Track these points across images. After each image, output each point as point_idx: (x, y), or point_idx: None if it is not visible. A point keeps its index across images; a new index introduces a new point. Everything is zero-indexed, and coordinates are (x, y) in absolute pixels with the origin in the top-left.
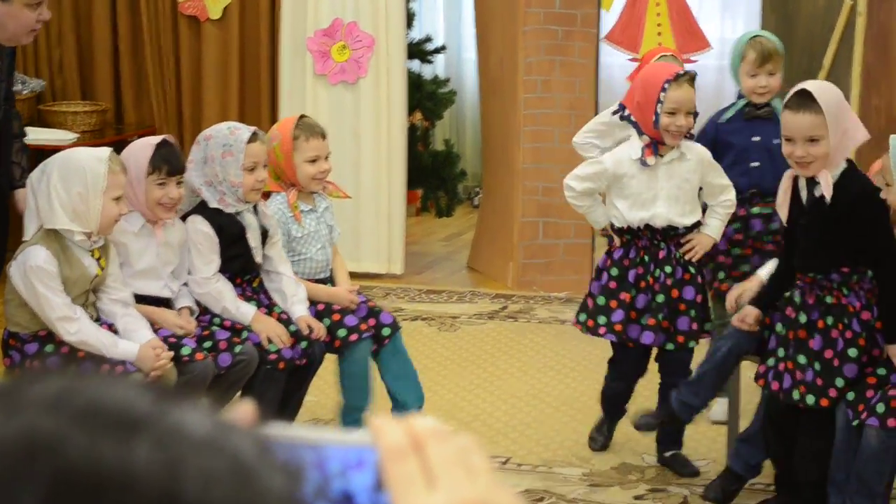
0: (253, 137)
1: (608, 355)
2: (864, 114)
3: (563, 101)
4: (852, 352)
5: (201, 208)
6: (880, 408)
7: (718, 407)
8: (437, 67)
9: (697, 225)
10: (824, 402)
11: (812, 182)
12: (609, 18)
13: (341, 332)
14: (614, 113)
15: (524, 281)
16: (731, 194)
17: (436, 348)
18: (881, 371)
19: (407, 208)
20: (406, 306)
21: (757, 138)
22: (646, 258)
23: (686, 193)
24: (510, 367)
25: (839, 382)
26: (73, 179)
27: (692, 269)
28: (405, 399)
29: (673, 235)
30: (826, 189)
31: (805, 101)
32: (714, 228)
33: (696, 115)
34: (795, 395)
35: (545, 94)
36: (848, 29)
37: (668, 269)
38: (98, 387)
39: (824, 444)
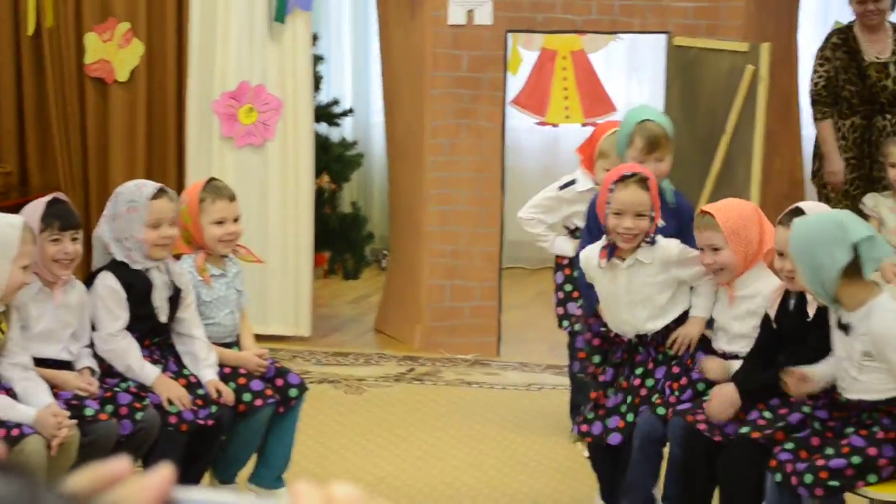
0: (158, 194)
1: (514, 417)
2: (766, 178)
3: (469, 164)
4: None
5: (112, 265)
6: (808, 478)
7: None
8: (345, 130)
9: (683, 318)
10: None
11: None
12: (516, 82)
13: (246, 397)
14: (561, 188)
15: (431, 343)
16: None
17: (342, 411)
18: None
19: (314, 271)
20: (313, 369)
21: None
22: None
23: (651, 299)
24: (417, 429)
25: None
26: None
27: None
28: (275, 460)
29: (651, 339)
30: (811, 306)
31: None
32: (701, 308)
33: (652, 217)
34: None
35: (452, 157)
36: (750, 93)
37: (638, 370)
38: None
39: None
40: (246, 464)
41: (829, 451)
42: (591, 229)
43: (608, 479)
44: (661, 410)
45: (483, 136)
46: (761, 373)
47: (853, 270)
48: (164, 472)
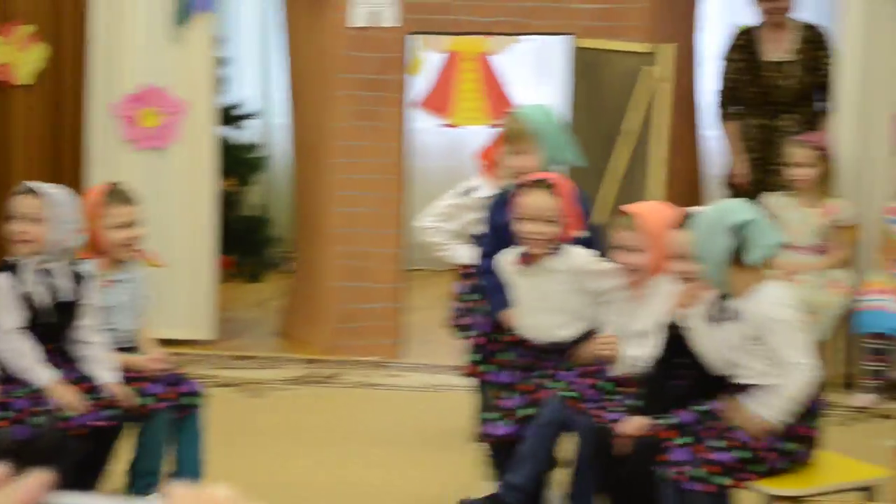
0: (25, 191)
1: (417, 418)
2: (668, 177)
3: (373, 166)
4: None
5: (7, 266)
6: (696, 473)
7: None
8: (249, 133)
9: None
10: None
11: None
12: (422, 84)
13: (145, 400)
14: (462, 194)
15: (334, 346)
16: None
17: (245, 414)
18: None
19: (219, 274)
20: (216, 372)
21: None
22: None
23: (561, 306)
24: (319, 431)
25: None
26: None
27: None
28: (186, 469)
29: (556, 348)
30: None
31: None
32: (609, 323)
33: (561, 223)
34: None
35: (356, 159)
36: (651, 95)
37: (542, 376)
38: None
39: None
40: (158, 476)
41: (717, 444)
42: (487, 233)
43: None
44: (568, 394)
45: (386, 137)
46: (663, 389)
47: (741, 257)
48: (38, 476)
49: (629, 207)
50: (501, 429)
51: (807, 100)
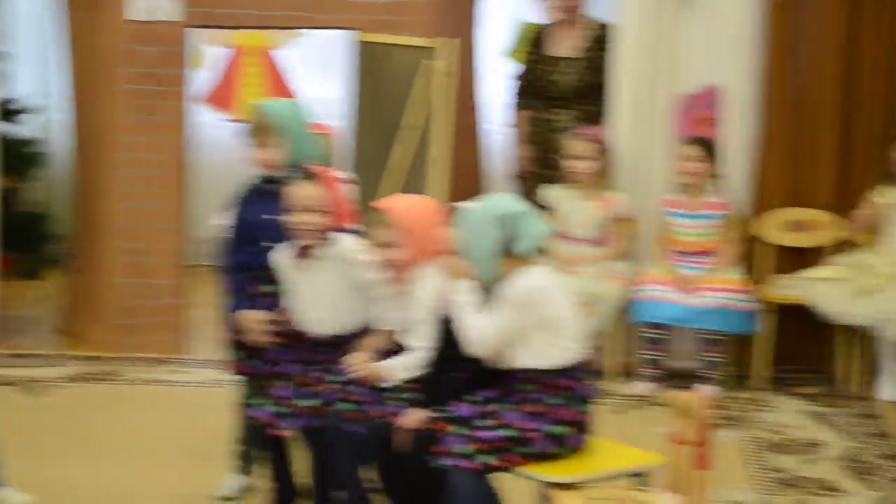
0: None
1: (198, 414)
2: (451, 172)
3: (154, 162)
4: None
5: None
6: (460, 449)
7: None
8: (29, 128)
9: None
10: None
11: None
12: (205, 79)
13: None
14: None
15: (115, 342)
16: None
17: (23, 413)
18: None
19: None
20: None
21: (270, 216)
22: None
23: (332, 299)
24: (99, 428)
25: None
26: None
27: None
28: None
29: (334, 342)
30: None
31: None
32: (379, 318)
33: (328, 213)
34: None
35: (137, 154)
36: (433, 89)
37: (318, 368)
38: None
39: None
40: None
41: (484, 423)
42: (232, 230)
43: (277, 463)
44: (344, 406)
45: (167, 132)
46: (441, 381)
47: (511, 248)
48: None
49: (381, 203)
50: (268, 415)
51: (585, 97)
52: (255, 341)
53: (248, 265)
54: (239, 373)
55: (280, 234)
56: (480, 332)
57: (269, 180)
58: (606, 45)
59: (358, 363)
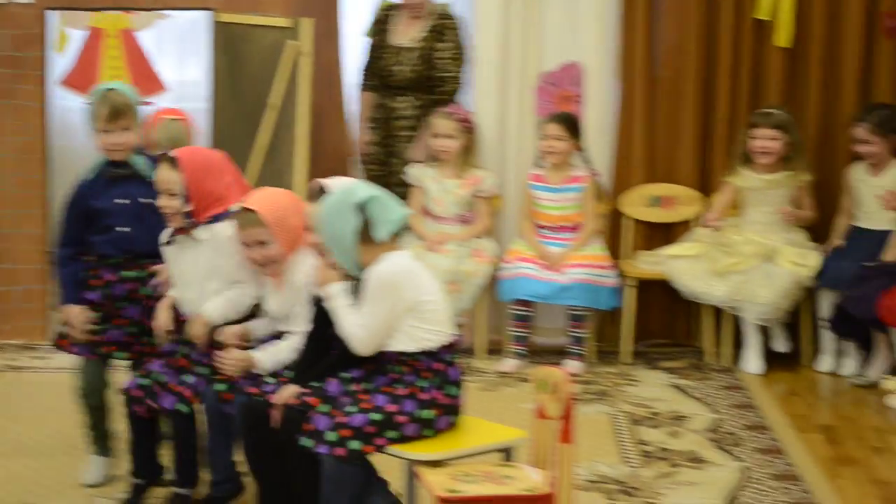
0: None
1: (65, 400)
2: (313, 153)
3: (13, 145)
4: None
5: None
6: (330, 437)
7: None
8: None
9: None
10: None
11: None
12: (63, 62)
13: None
14: None
15: None
16: (245, 285)
17: None
18: None
19: None
20: None
21: (123, 200)
22: None
23: (202, 281)
24: None
25: None
26: None
27: None
28: None
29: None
30: None
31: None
32: (209, 308)
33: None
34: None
35: None
36: (293, 69)
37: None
38: None
39: None
40: None
41: (352, 408)
42: (67, 219)
43: (141, 441)
44: (219, 387)
45: (26, 116)
46: (316, 360)
47: (369, 234)
48: None
49: (247, 203)
50: (138, 388)
51: (422, 87)
52: (75, 337)
53: (104, 253)
54: (75, 353)
55: (135, 219)
56: (357, 333)
57: (116, 165)
58: (446, 33)
59: (228, 362)
